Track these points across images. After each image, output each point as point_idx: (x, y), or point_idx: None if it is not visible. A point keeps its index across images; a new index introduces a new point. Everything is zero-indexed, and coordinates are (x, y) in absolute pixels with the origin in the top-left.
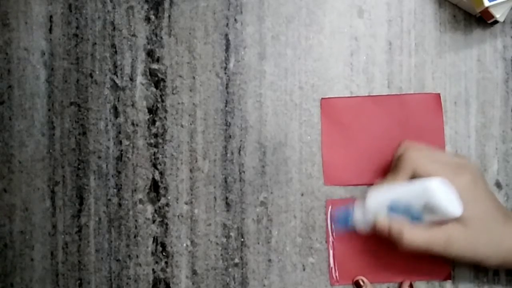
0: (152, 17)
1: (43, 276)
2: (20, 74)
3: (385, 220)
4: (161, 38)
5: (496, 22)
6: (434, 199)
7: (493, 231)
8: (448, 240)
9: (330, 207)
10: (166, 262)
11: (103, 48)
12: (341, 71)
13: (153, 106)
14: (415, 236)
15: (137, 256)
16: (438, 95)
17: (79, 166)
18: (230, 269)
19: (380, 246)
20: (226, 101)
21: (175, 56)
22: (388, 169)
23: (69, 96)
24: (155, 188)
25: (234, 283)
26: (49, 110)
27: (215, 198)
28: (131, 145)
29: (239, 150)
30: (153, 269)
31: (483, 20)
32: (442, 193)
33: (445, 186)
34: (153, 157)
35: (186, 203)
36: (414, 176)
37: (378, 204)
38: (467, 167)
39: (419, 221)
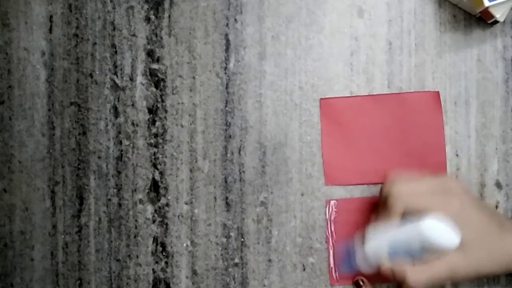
0: (152, 17)
1: (43, 276)
2: (20, 74)
3: (387, 265)
4: (161, 38)
5: (496, 22)
6: (429, 240)
7: (491, 248)
8: (452, 271)
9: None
10: (166, 262)
11: (103, 48)
12: (341, 71)
13: (153, 106)
14: (418, 275)
15: (137, 256)
16: (438, 93)
17: (79, 166)
18: (230, 269)
19: None
20: (226, 101)
21: (175, 56)
22: (389, 169)
23: (69, 96)
24: (155, 188)
25: (234, 283)
26: (49, 110)
27: (215, 198)
28: (131, 145)
29: (239, 150)
30: (153, 269)
31: (483, 20)
32: (436, 233)
33: (438, 222)
34: (153, 157)
35: (186, 203)
36: (406, 212)
37: (377, 249)
38: (453, 191)
39: (420, 258)
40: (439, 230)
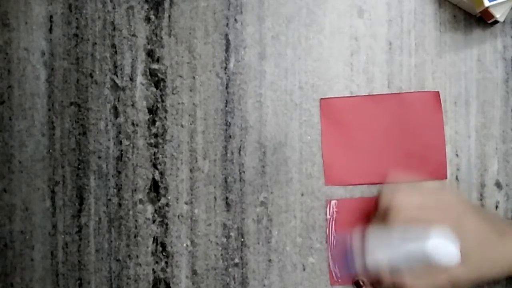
0: (152, 17)
1: (43, 276)
2: (20, 74)
3: (388, 277)
4: (161, 38)
5: (496, 22)
6: (433, 259)
7: (491, 254)
8: (454, 282)
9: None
10: (166, 262)
11: (103, 48)
12: (341, 71)
13: (153, 106)
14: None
15: (137, 256)
16: (437, 93)
17: (79, 166)
18: (230, 269)
19: None
20: (226, 101)
21: (175, 56)
22: (389, 169)
23: (69, 96)
24: (155, 188)
25: (234, 283)
26: (49, 110)
27: (215, 198)
28: (131, 145)
29: (239, 150)
30: (153, 269)
31: (483, 20)
32: (441, 253)
33: (442, 241)
34: (153, 157)
35: (186, 203)
36: (406, 224)
37: (378, 261)
38: (450, 202)
39: (421, 271)
40: (443, 250)
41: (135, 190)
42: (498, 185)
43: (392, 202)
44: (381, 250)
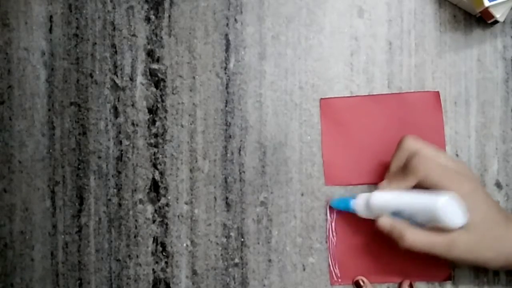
0: (152, 17)
1: (43, 276)
2: (20, 74)
3: (388, 220)
4: (161, 38)
5: (496, 22)
6: (440, 218)
7: (495, 234)
8: (451, 244)
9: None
10: (166, 262)
11: (103, 48)
12: (341, 71)
13: (153, 106)
14: (417, 238)
15: (137, 256)
16: (438, 93)
17: (79, 166)
18: (230, 269)
19: (380, 246)
20: (226, 101)
21: (175, 56)
22: (389, 167)
23: (69, 96)
24: (155, 188)
25: (234, 283)
26: (49, 110)
27: (215, 198)
28: (131, 145)
29: (239, 150)
30: (153, 269)
31: (483, 20)
32: (450, 213)
33: (452, 203)
34: (153, 157)
35: (186, 203)
36: (422, 180)
37: (383, 206)
38: (468, 175)
39: (422, 227)
40: (453, 211)
41: (135, 190)
42: (498, 185)
43: (419, 150)
44: (390, 193)
